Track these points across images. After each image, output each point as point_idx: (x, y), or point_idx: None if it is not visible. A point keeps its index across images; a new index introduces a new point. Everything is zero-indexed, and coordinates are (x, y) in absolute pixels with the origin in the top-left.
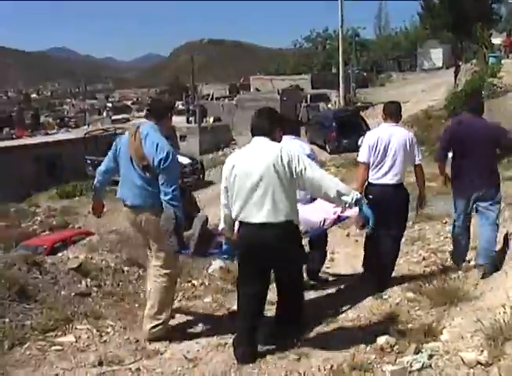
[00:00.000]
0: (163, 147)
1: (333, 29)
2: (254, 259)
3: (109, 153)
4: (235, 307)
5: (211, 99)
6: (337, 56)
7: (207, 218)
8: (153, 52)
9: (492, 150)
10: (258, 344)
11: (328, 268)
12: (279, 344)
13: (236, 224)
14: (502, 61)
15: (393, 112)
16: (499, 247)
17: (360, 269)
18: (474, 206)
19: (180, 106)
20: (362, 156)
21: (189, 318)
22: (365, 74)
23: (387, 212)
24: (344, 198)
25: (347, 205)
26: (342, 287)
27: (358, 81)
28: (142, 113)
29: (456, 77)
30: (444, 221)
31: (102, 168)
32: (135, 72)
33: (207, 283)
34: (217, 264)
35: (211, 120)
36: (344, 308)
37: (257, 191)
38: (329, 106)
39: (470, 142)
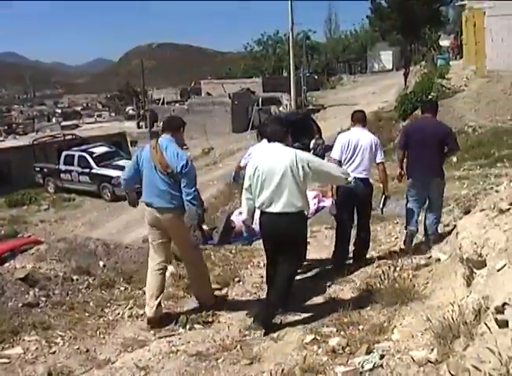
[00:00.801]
0: (182, 156)
1: (284, 32)
2: (273, 240)
3: (131, 164)
4: (187, 313)
5: (162, 103)
6: (287, 59)
7: (229, 214)
8: (102, 57)
9: (439, 146)
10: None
11: None
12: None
13: (257, 214)
14: (451, 63)
15: (360, 118)
16: (448, 247)
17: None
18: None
19: (130, 111)
20: (335, 153)
21: (140, 326)
22: (316, 77)
23: (357, 199)
24: (349, 179)
25: (352, 183)
26: (293, 288)
27: (310, 84)
28: (92, 119)
29: (405, 78)
30: (395, 221)
31: (126, 177)
32: (85, 77)
33: None
34: (168, 269)
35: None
36: (295, 310)
37: (277, 187)
38: (281, 109)
39: (422, 139)
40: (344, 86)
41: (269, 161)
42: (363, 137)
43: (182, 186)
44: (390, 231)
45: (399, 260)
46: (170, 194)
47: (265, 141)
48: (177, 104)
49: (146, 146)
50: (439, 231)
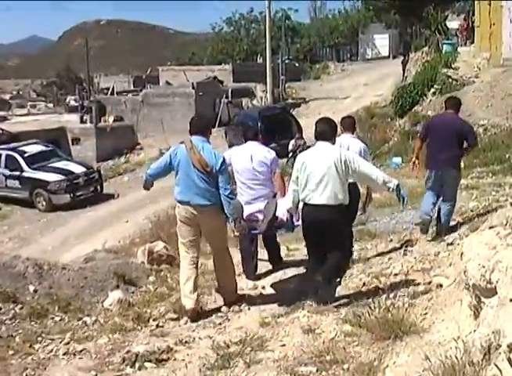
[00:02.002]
0: (218, 154)
1: (259, 11)
2: (315, 231)
3: (161, 163)
4: (137, 349)
5: (112, 93)
6: (263, 42)
7: (276, 203)
8: (37, 35)
9: (458, 141)
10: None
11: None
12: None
13: (300, 205)
14: (459, 49)
15: (349, 126)
16: (452, 270)
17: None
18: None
19: (72, 102)
20: None
21: (78, 364)
22: (297, 64)
23: None
24: (388, 185)
25: (390, 190)
26: (268, 318)
27: (289, 72)
28: (24, 111)
29: (404, 68)
30: (389, 239)
31: (152, 172)
32: (16, 59)
33: (102, 321)
34: (115, 296)
35: (111, 119)
36: (269, 346)
37: (321, 182)
38: (255, 102)
39: (442, 133)
40: (331, 76)
41: (316, 158)
42: (353, 143)
43: (220, 182)
44: (382, 250)
45: (392, 285)
46: (208, 192)
47: (249, 143)
48: (129, 95)
49: (178, 146)
50: (452, 223)
